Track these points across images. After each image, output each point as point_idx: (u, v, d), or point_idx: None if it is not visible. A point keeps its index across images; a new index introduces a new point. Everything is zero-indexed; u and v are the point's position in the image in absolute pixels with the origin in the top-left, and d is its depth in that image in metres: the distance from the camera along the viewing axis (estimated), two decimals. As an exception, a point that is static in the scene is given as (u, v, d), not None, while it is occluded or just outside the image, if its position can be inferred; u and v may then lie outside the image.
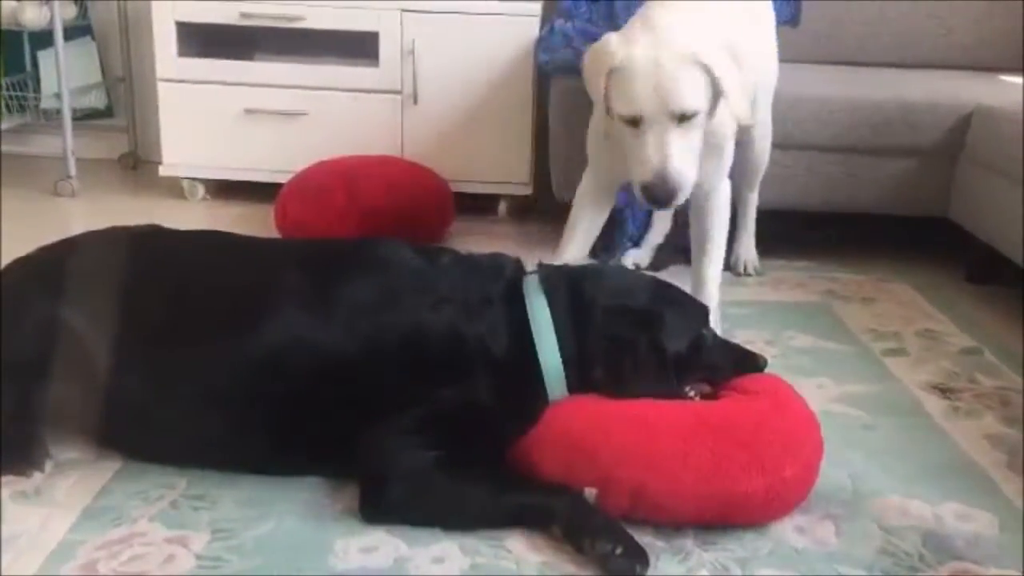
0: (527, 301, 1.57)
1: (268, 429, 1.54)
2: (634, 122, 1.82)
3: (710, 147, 1.96)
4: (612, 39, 1.86)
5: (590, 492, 1.43)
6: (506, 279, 1.61)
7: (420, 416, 1.48)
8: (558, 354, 1.55)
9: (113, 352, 1.53)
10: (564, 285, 1.60)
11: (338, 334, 1.51)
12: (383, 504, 1.45)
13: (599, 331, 1.55)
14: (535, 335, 1.55)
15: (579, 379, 1.56)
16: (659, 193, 1.81)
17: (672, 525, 1.45)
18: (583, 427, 1.47)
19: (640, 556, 1.36)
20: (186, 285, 1.60)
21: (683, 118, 1.80)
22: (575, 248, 2.17)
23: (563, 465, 1.46)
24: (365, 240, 1.71)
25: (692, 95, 1.80)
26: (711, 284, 2.14)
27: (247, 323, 1.53)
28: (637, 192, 1.86)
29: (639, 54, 1.80)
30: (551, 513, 1.42)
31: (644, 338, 1.55)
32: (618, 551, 1.35)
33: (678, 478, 1.42)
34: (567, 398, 1.55)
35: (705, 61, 1.80)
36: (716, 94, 1.84)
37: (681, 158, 1.80)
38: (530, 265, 1.70)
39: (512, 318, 1.56)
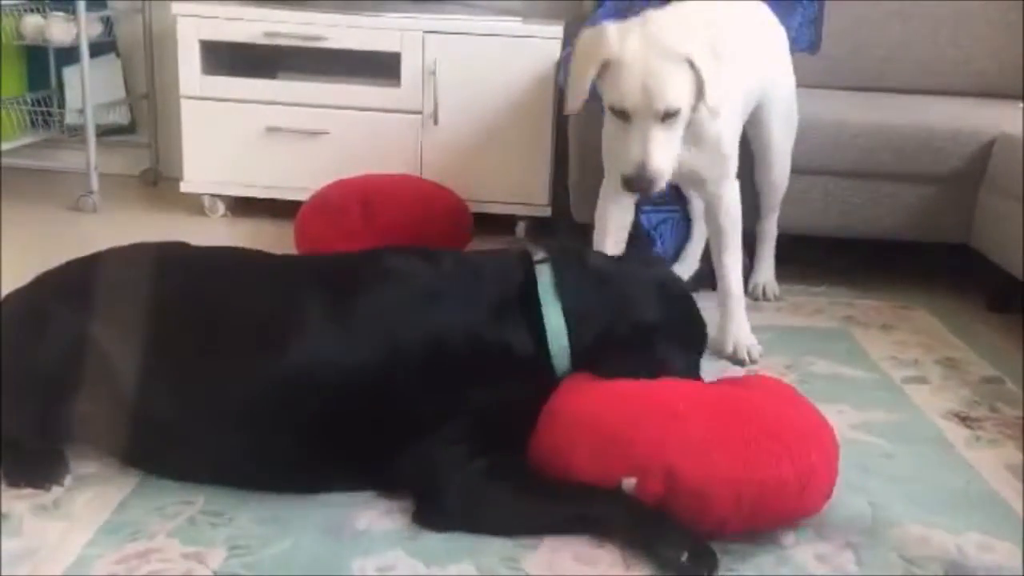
0: (542, 302, 1.61)
1: (298, 445, 1.54)
2: (622, 115, 1.91)
3: (712, 152, 2.10)
4: (611, 30, 1.92)
5: (628, 483, 1.44)
6: (516, 274, 1.64)
7: (462, 424, 1.52)
8: (568, 359, 1.61)
9: (137, 370, 1.53)
10: (576, 284, 1.63)
11: (360, 347, 1.53)
12: (441, 515, 1.48)
13: (605, 340, 1.61)
14: (549, 335, 1.60)
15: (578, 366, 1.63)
16: (638, 185, 1.93)
17: (711, 522, 1.43)
18: (615, 419, 1.49)
19: (708, 560, 1.37)
20: (210, 301, 1.60)
21: (667, 115, 1.89)
22: (609, 250, 2.20)
23: (596, 456, 1.47)
24: (374, 251, 1.71)
25: (677, 94, 1.88)
26: (731, 273, 2.25)
27: (267, 341, 1.54)
28: (617, 180, 1.99)
29: (631, 49, 1.88)
30: (609, 519, 1.43)
31: (643, 355, 1.62)
32: (684, 557, 1.36)
33: (712, 463, 1.42)
34: (594, 388, 1.57)
35: (693, 59, 1.88)
36: (700, 88, 1.91)
37: (661, 153, 1.91)
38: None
39: (526, 315, 1.60)
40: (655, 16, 1.95)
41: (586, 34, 2.00)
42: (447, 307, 1.58)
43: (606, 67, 1.91)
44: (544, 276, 1.63)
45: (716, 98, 1.94)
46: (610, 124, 2.02)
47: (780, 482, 1.43)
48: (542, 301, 1.60)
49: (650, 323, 1.63)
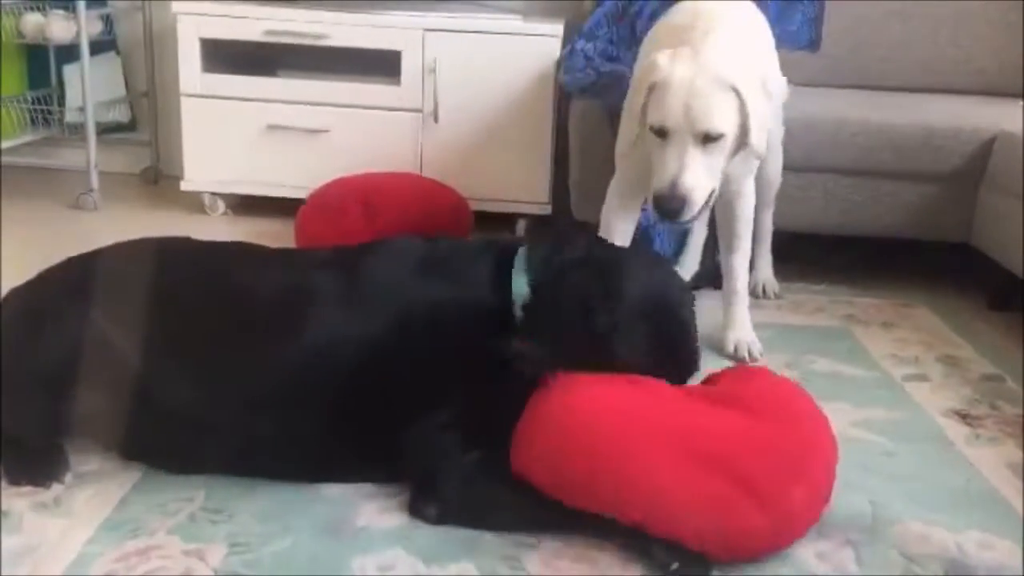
0: (513, 281, 1.60)
1: (307, 430, 1.55)
2: (661, 133, 1.89)
3: (745, 151, 2.01)
4: (661, 56, 1.92)
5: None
6: (497, 258, 1.63)
7: (454, 408, 1.52)
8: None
9: (145, 362, 1.54)
10: (546, 270, 1.60)
11: (368, 328, 1.55)
12: (439, 503, 1.49)
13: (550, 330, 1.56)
14: (516, 314, 1.58)
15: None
16: (667, 204, 1.87)
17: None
18: (578, 463, 1.44)
19: (700, 565, 1.38)
20: (217, 292, 1.61)
21: (707, 139, 1.87)
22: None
23: (564, 494, 1.45)
24: (376, 241, 1.73)
25: (719, 118, 1.86)
26: (739, 276, 2.27)
27: (279, 329, 1.56)
28: (650, 201, 1.94)
29: (678, 72, 1.87)
30: (608, 522, 1.43)
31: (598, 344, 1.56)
32: (675, 566, 1.37)
33: (677, 519, 1.39)
34: (559, 420, 1.51)
35: (740, 88, 1.86)
36: (745, 122, 1.89)
37: (695, 175, 1.87)
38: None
39: (505, 297, 1.59)
40: (709, 46, 1.93)
41: (637, 69, 2.01)
42: (437, 281, 1.59)
43: (652, 90, 1.90)
44: (520, 256, 1.63)
45: (760, 138, 1.92)
46: (626, 152, 2.01)
47: (751, 533, 1.39)
48: (513, 277, 1.59)
49: (603, 308, 1.55)
